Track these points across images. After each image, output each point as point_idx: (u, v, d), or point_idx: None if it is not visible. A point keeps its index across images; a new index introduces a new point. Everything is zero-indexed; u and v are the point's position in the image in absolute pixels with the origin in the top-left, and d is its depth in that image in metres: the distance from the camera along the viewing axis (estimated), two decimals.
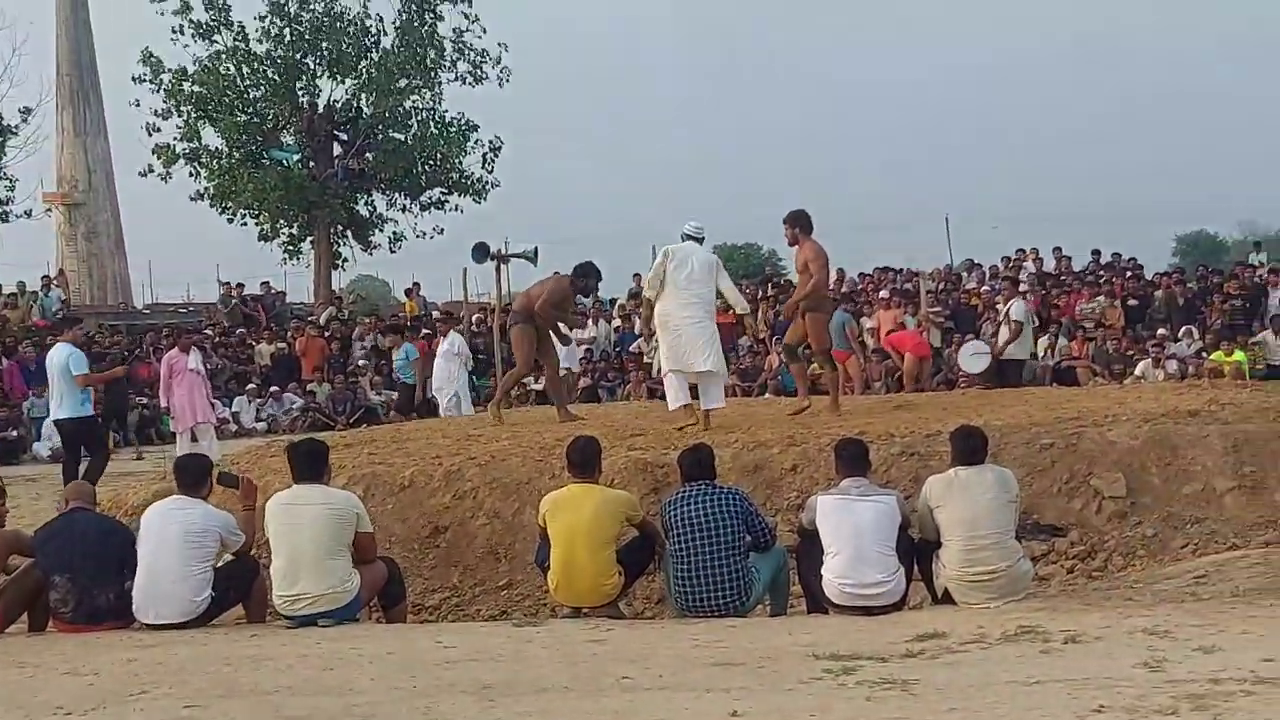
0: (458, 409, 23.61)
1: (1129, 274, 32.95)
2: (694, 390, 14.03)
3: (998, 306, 25.95)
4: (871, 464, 10.06)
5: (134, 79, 40.11)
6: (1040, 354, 28.19)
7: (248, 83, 40.67)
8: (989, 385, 21.36)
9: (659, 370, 15.38)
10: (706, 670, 7.47)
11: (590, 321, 31.12)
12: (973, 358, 23.42)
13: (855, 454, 9.68)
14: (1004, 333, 22.69)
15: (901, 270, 35.62)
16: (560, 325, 16.10)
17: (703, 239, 14.23)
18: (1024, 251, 35.83)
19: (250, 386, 30.90)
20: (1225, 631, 7.54)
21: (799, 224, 14.43)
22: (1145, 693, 6.31)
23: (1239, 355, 26.25)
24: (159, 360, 29.12)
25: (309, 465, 9.83)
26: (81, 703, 7.15)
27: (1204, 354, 27.23)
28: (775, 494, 11.67)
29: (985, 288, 32.54)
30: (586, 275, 15.83)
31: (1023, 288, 30.89)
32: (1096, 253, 36.04)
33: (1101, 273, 33.66)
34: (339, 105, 41.53)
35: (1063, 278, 33.49)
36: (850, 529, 9.22)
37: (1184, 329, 28.88)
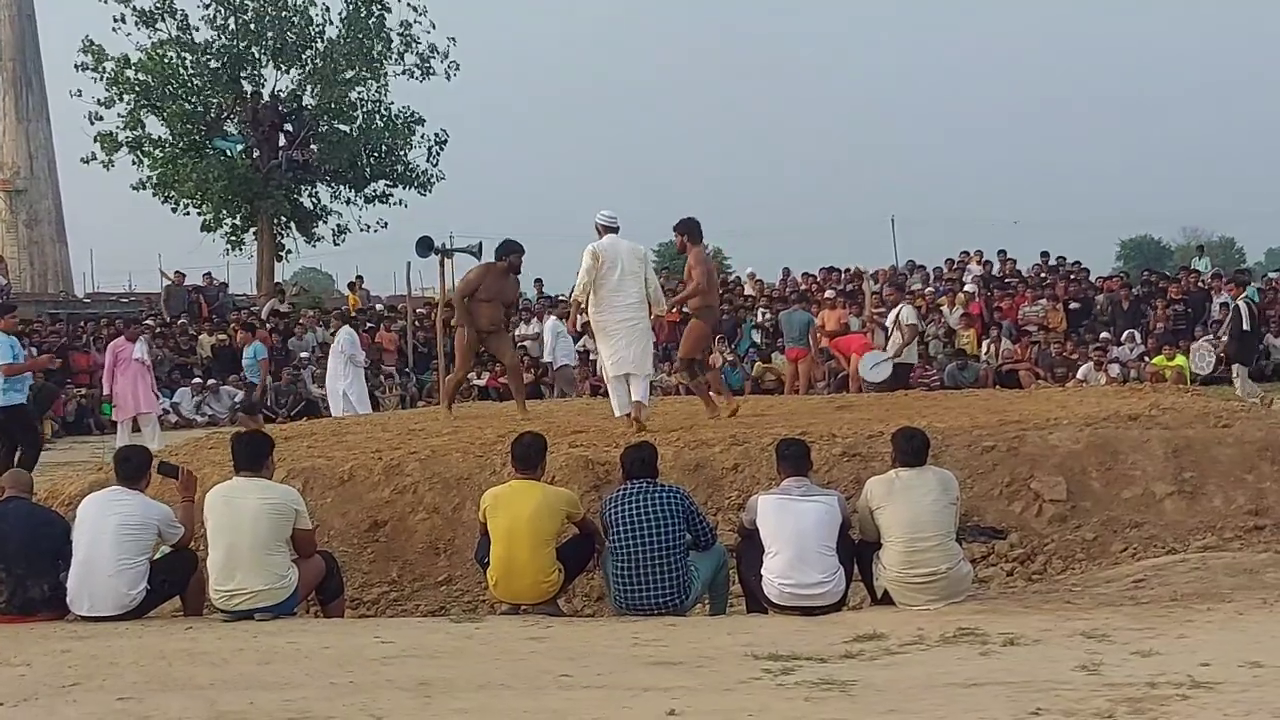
0: (352, 408, 23.48)
1: (1072, 277, 33.10)
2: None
3: (940, 310, 26.26)
4: (813, 464, 10.06)
5: (76, 67, 39.76)
6: (983, 356, 28.41)
7: (191, 72, 40.33)
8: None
9: (603, 369, 15.18)
10: (645, 669, 7.45)
11: (535, 318, 31.01)
12: (874, 369, 23.52)
13: (797, 454, 9.67)
14: (897, 338, 22.87)
15: (847, 270, 35.67)
16: (487, 314, 15.70)
17: (619, 228, 13.97)
18: (968, 254, 35.98)
19: (195, 381, 30.70)
20: (1163, 636, 7.58)
21: (688, 232, 14.63)
22: (1083, 696, 6.33)
23: (1180, 360, 26.47)
24: (99, 349, 28.98)
25: (251, 456, 9.76)
26: (13, 694, 7.08)
27: (1146, 358, 27.44)
28: (716, 493, 11.65)
29: (929, 289, 32.70)
30: (508, 252, 15.63)
31: (969, 289, 31.15)
32: (1045, 255, 36.14)
33: (1045, 275, 33.82)
34: (284, 96, 41.27)
35: (1007, 280, 33.63)
36: (791, 529, 9.21)
37: (1127, 333, 29.07)
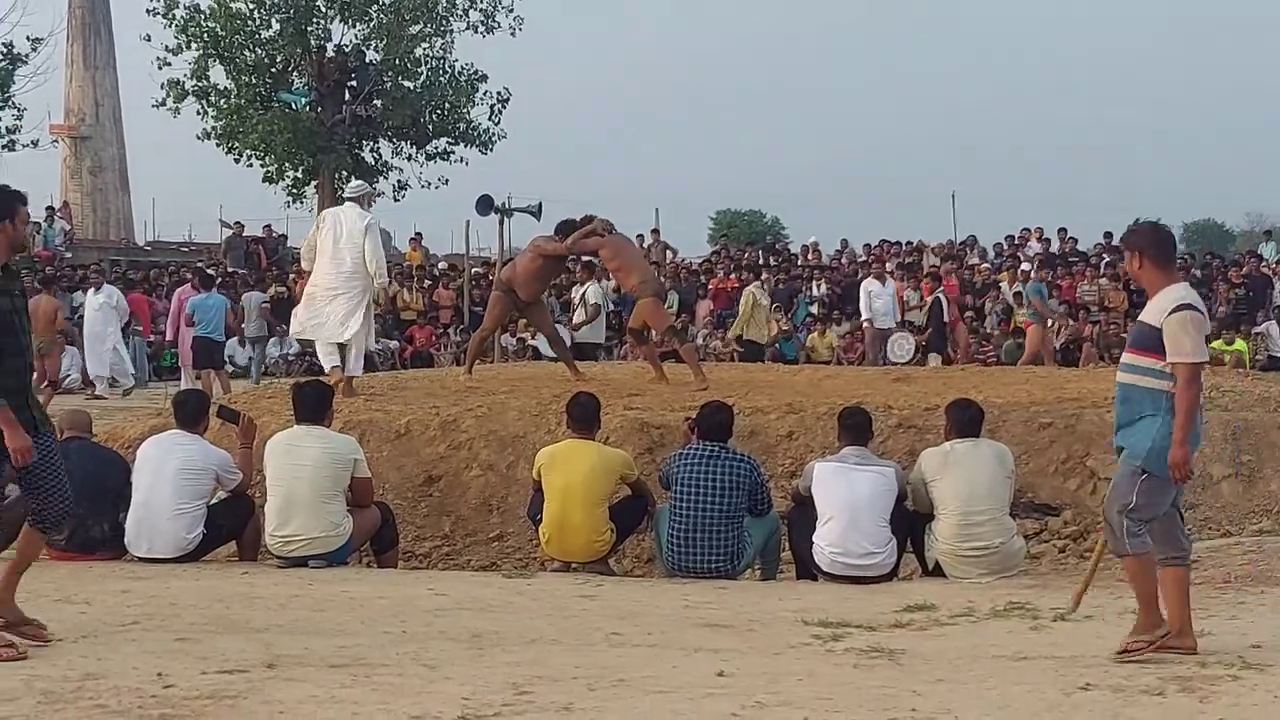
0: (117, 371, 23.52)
1: None
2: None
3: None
4: (874, 434, 10.06)
5: (148, 12, 39.91)
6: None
7: (259, 23, 40.46)
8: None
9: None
10: (696, 630, 7.52)
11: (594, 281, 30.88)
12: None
13: (858, 423, 9.67)
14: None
15: (908, 243, 35.39)
16: (535, 288, 15.86)
17: (361, 198, 13.99)
18: (1029, 230, 35.70)
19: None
20: (1215, 616, 7.58)
21: (563, 231, 15.14)
22: (1132, 673, 6.35)
23: (1240, 345, 26.26)
24: (157, 297, 29.11)
25: (313, 406, 9.86)
26: (74, 630, 7.20)
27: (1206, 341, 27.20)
28: (770, 460, 11.62)
29: (985, 264, 32.54)
30: (565, 231, 15.40)
31: (1025, 266, 30.94)
32: (1108, 235, 35.69)
33: (1106, 255, 33.50)
34: (349, 50, 41.33)
35: (1069, 258, 33.33)
36: (845, 497, 9.21)
37: None
